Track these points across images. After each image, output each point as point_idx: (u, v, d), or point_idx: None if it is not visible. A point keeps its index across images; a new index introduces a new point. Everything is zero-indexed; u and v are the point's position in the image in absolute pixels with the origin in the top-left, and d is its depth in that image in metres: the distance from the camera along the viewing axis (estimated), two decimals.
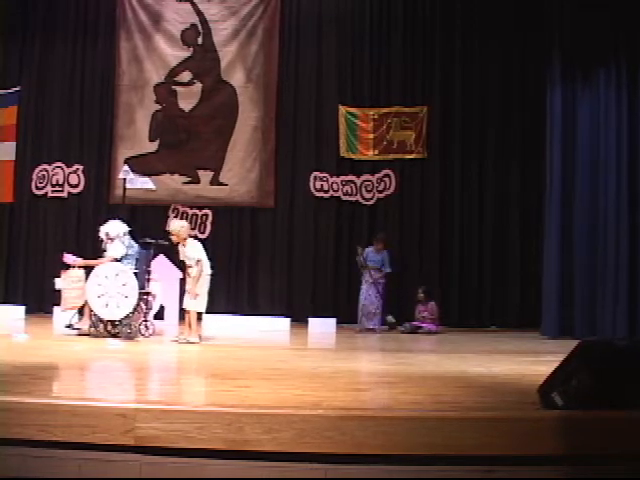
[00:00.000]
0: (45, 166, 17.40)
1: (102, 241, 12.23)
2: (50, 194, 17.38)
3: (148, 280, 12.11)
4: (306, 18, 17.35)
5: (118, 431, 4.98)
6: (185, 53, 17.50)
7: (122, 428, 4.97)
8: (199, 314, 11.78)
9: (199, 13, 17.45)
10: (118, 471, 4.97)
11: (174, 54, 17.47)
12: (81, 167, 17.33)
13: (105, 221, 12.54)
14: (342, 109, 16.99)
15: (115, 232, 12.09)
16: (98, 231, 12.41)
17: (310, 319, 15.29)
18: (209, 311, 15.08)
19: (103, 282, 11.50)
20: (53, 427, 5.02)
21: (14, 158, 17.48)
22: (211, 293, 16.17)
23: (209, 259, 11.96)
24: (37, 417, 5.07)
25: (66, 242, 15.89)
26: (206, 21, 17.45)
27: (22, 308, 15.77)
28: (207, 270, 11.67)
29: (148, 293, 12.13)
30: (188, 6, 17.45)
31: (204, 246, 11.88)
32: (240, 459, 4.97)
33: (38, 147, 17.54)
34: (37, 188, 17.41)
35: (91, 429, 4.99)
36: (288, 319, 15.31)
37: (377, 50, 17.12)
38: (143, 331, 11.84)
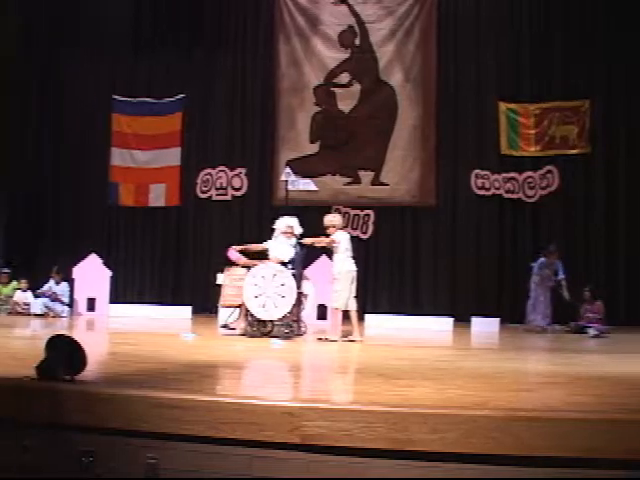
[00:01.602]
0: (209, 170, 17.92)
1: (277, 232, 12.35)
2: (214, 197, 17.90)
3: (300, 279, 12.19)
4: (463, 16, 17.29)
5: (285, 429, 5.04)
6: (343, 55, 17.68)
7: (289, 426, 5.03)
8: (344, 311, 11.54)
9: (355, 14, 17.58)
10: (286, 469, 5.03)
11: (332, 56, 17.67)
12: (244, 170, 17.77)
13: (274, 219, 12.73)
14: (502, 105, 16.80)
15: (298, 230, 12.24)
16: (274, 221, 12.59)
17: (473, 318, 15.18)
18: (372, 311, 15.27)
19: (260, 282, 11.61)
20: (221, 424, 5.13)
21: (180, 163, 18.08)
22: (374, 293, 16.39)
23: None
24: (206, 414, 5.18)
25: (230, 244, 16.18)
26: (362, 22, 17.57)
27: (189, 308, 16.28)
28: (349, 267, 11.54)
29: (301, 293, 12.22)
30: (344, 8, 17.62)
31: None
32: (404, 459, 4.96)
33: (202, 152, 18.10)
34: (202, 192, 17.95)
35: (258, 427, 5.07)
36: (451, 318, 15.25)
37: (536, 45, 16.88)
38: (297, 330, 11.97)
